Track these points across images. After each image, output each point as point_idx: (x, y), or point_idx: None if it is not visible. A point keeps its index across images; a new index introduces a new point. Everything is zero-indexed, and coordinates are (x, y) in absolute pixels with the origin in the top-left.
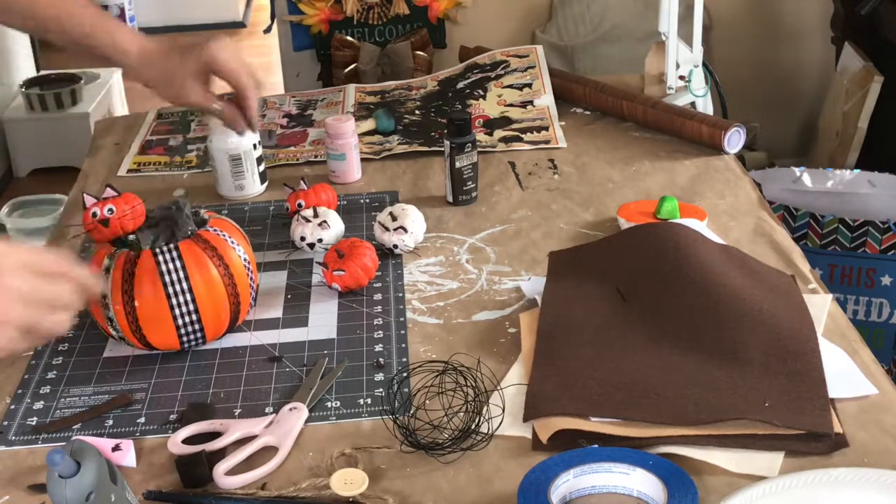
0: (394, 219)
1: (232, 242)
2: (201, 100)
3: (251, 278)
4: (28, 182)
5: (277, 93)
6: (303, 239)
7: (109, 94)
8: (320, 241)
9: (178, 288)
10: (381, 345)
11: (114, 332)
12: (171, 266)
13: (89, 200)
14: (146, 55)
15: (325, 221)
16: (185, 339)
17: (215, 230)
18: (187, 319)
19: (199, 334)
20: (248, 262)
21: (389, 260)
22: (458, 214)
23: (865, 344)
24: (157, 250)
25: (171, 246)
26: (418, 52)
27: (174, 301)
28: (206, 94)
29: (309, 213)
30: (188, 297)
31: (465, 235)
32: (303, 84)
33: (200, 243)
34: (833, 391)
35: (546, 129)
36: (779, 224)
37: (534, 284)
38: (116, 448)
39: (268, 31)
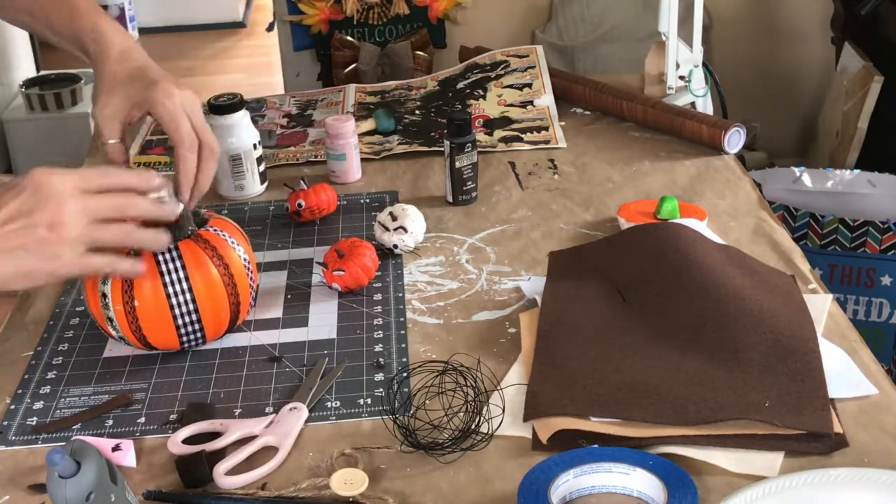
0: (394, 219)
1: (232, 242)
2: (106, 127)
3: (251, 278)
4: None
5: (277, 93)
6: (395, 246)
7: None
8: (395, 246)
9: (178, 288)
10: (381, 345)
11: (114, 332)
12: (171, 266)
13: None
14: (120, 57)
15: (401, 227)
16: (185, 339)
17: (215, 230)
18: (187, 319)
19: (198, 334)
20: (248, 262)
21: (389, 260)
22: (458, 214)
23: (865, 344)
24: (159, 251)
25: (171, 246)
26: (418, 52)
27: (174, 301)
28: (114, 119)
29: (386, 219)
30: (188, 296)
31: (465, 235)
32: (303, 84)
33: (200, 243)
34: (833, 391)
35: (546, 129)
36: (779, 224)
37: (534, 284)
38: (116, 448)
39: (270, 29)
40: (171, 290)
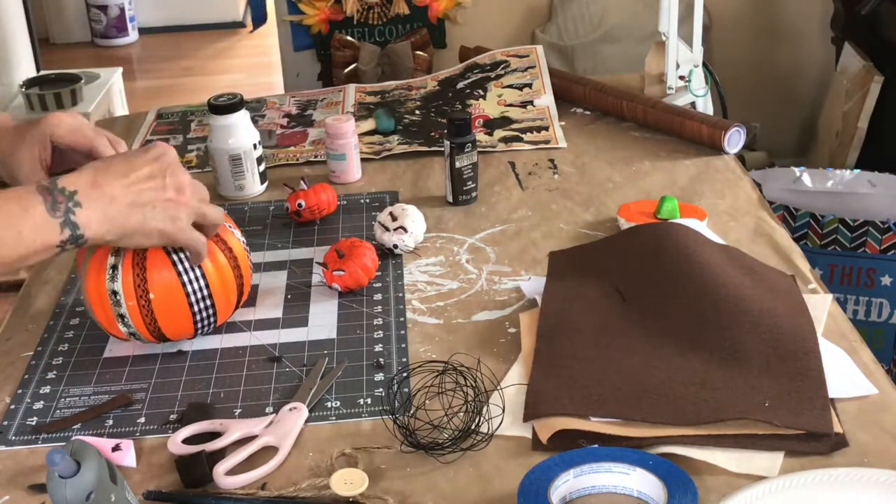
0: (394, 219)
1: (228, 226)
2: (28, 173)
3: (250, 259)
4: None
5: (277, 93)
6: (395, 246)
7: (109, 95)
8: (395, 246)
9: (192, 276)
10: (381, 345)
11: (124, 329)
12: (182, 255)
13: None
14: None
15: (401, 227)
16: (199, 325)
17: None
18: (202, 305)
19: (212, 319)
20: (245, 244)
21: (389, 260)
22: (458, 214)
23: (865, 344)
24: None
25: None
26: (418, 52)
27: (189, 289)
28: (34, 171)
29: (386, 219)
30: (202, 283)
31: (465, 235)
32: (303, 84)
33: None
34: (833, 391)
35: (546, 129)
36: (779, 224)
37: (534, 284)
38: (116, 448)
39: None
40: (185, 278)
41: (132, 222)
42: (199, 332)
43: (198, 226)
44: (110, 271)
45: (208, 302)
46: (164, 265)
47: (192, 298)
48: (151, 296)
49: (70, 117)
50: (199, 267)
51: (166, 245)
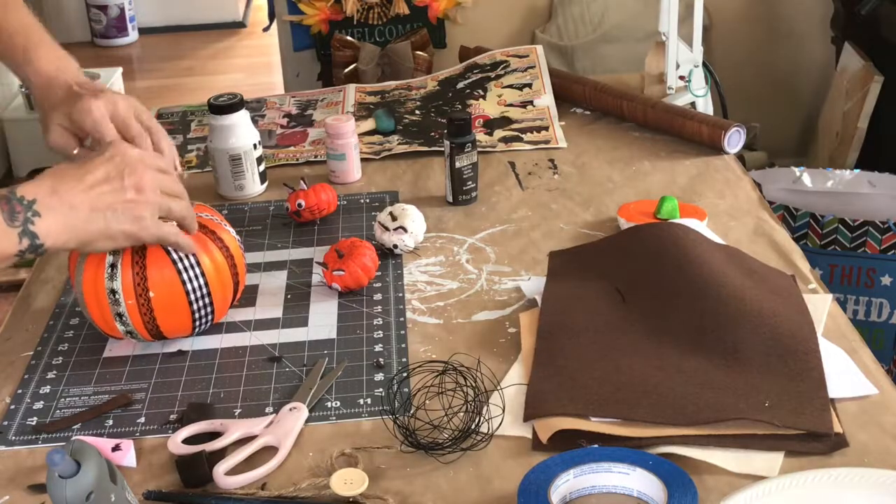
0: (394, 219)
1: (220, 222)
2: (58, 144)
3: (244, 253)
4: None
5: (277, 93)
6: (395, 246)
7: None
8: (395, 246)
9: (191, 273)
10: (381, 345)
11: (121, 328)
12: (181, 253)
13: None
14: (48, 83)
15: (401, 227)
16: (197, 321)
17: (205, 215)
18: (201, 303)
19: (210, 317)
20: (239, 239)
21: (389, 260)
22: (458, 214)
23: (865, 344)
24: None
25: None
26: (418, 52)
27: (189, 287)
28: (66, 140)
29: (386, 219)
30: (201, 281)
31: (465, 235)
32: (303, 84)
33: (199, 228)
34: (833, 391)
35: (546, 129)
36: (779, 224)
37: (534, 284)
38: (116, 448)
39: (267, 29)
40: (185, 276)
41: (93, 228)
42: (197, 330)
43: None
44: (109, 270)
45: (207, 300)
46: (163, 263)
47: (192, 297)
48: (151, 294)
49: (97, 110)
50: (198, 264)
51: (134, 245)
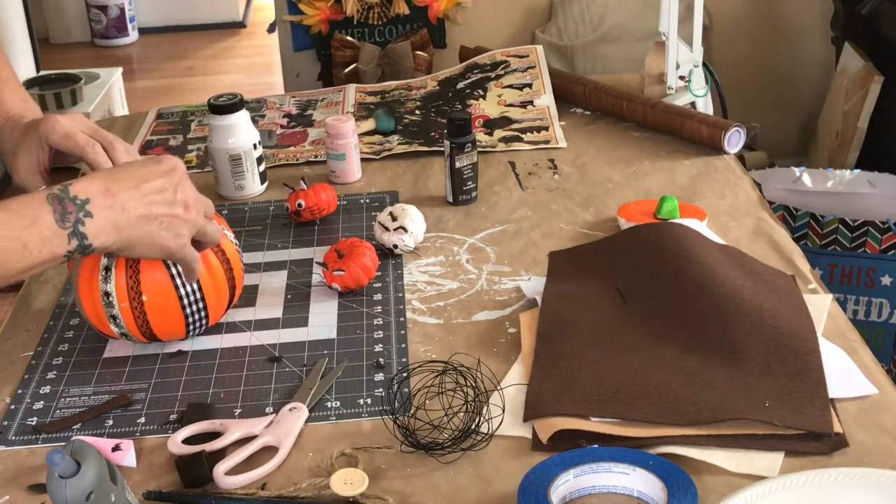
0: (394, 219)
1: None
2: (27, 180)
3: (242, 260)
4: None
5: (277, 93)
6: (395, 246)
7: (109, 95)
8: (395, 246)
9: (185, 279)
10: (381, 345)
11: (116, 330)
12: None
13: None
14: (10, 123)
15: (401, 227)
16: (191, 326)
17: None
18: (195, 308)
19: (204, 321)
20: (238, 245)
21: (389, 260)
22: (458, 214)
23: (865, 344)
24: None
25: None
26: (418, 52)
27: (182, 291)
28: (32, 173)
29: (386, 219)
30: (196, 286)
31: (465, 235)
32: (303, 84)
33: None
34: (833, 391)
35: (546, 129)
36: (779, 224)
37: (534, 284)
38: (116, 448)
39: (271, 30)
40: (178, 280)
41: (139, 234)
42: (191, 333)
43: (194, 241)
44: (103, 272)
45: (201, 304)
46: (157, 267)
47: (185, 301)
48: (144, 298)
49: (66, 120)
50: None
51: (165, 259)
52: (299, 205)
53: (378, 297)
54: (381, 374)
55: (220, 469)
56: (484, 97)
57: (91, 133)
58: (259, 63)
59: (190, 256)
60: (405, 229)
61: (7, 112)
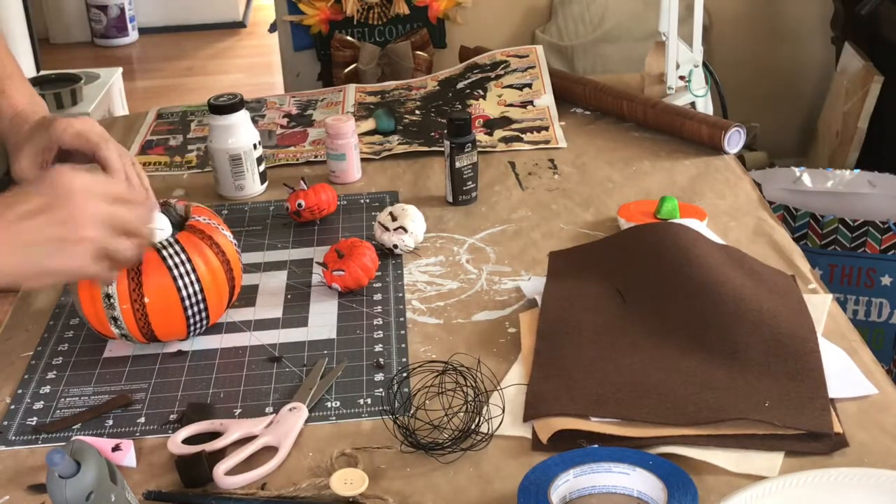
0: (394, 219)
1: (217, 226)
2: (27, 173)
3: (240, 256)
4: None
5: (277, 93)
6: (395, 246)
7: (109, 94)
8: (395, 246)
9: (187, 280)
10: (381, 345)
11: (116, 331)
12: (176, 259)
13: None
14: (19, 118)
15: (401, 227)
16: (192, 326)
17: (202, 219)
18: (196, 309)
19: (204, 321)
20: (237, 245)
21: (389, 260)
22: (458, 214)
23: (865, 344)
24: (160, 245)
25: (172, 239)
26: (418, 52)
27: (184, 293)
28: (34, 168)
29: (386, 219)
30: (196, 286)
31: (465, 235)
32: (303, 84)
33: (196, 233)
34: (833, 391)
35: (546, 129)
36: (779, 224)
37: (534, 284)
38: (116, 448)
39: (272, 30)
40: (180, 282)
41: (21, 266)
42: (191, 333)
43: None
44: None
45: (202, 305)
46: (159, 269)
47: (187, 302)
48: (146, 300)
49: (80, 123)
50: (194, 270)
51: (85, 279)
52: (299, 205)
53: (378, 297)
54: (381, 374)
55: (220, 469)
56: (484, 97)
57: (105, 134)
58: (259, 63)
59: (97, 274)
60: (405, 229)
61: (14, 108)
